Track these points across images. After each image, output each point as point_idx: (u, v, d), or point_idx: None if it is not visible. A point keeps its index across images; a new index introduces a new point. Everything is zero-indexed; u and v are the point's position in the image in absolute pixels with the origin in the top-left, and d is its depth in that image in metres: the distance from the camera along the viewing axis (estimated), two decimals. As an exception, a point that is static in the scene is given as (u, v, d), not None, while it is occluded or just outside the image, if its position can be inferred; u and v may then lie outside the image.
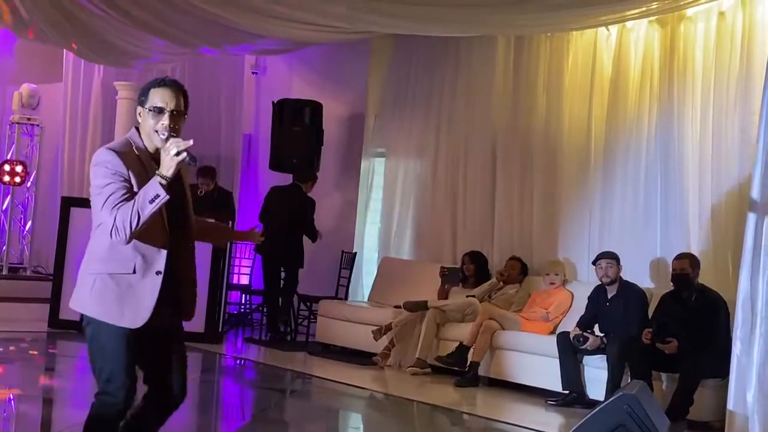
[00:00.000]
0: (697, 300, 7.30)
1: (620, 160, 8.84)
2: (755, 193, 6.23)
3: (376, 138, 11.02)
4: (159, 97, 3.75)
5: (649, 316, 7.65)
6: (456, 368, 8.55)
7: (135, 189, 3.65)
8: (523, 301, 8.92)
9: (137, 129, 3.83)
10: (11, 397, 7.11)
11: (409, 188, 10.62)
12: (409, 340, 9.05)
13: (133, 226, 3.60)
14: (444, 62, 10.43)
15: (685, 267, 7.37)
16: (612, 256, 7.96)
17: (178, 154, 3.60)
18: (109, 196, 3.64)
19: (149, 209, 3.58)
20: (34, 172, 12.79)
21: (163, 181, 3.59)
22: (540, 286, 8.96)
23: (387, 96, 11.01)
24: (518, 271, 9.16)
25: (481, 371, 8.46)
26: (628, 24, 8.71)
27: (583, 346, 7.66)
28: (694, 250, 7.87)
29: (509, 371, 8.42)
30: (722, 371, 6.70)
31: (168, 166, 3.60)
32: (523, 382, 8.27)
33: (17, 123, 12.65)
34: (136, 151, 3.76)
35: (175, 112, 3.76)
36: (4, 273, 12.08)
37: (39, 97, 13.08)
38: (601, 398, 7.10)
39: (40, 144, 12.90)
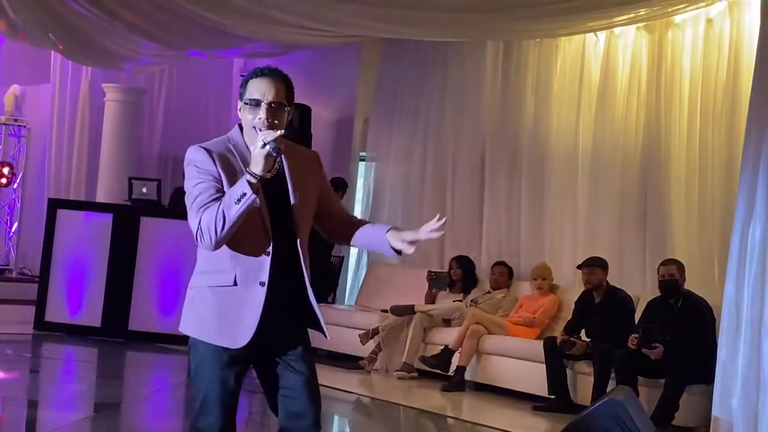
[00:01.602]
0: (683, 306, 7.31)
1: (607, 165, 8.86)
2: (741, 199, 6.26)
3: (365, 142, 11.02)
4: (256, 88, 3.32)
5: (636, 322, 7.66)
6: (439, 371, 8.55)
7: (227, 189, 3.25)
8: (510, 305, 8.93)
9: (240, 126, 3.43)
10: (-4, 400, 7.08)
11: (398, 192, 10.62)
12: (396, 345, 9.05)
13: (218, 231, 3.17)
14: (433, 67, 10.44)
15: (673, 273, 7.38)
16: (594, 263, 7.96)
17: (264, 146, 3.17)
18: (197, 197, 3.24)
19: (236, 210, 3.15)
20: (21, 174, 12.74)
21: (252, 179, 3.16)
22: (527, 291, 8.97)
23: (376, 100, 11.02)
24: (506, 276, 9.17)
25: (467, 376, 8.46)
26: (616, 30, 8.74)
27: (570, 351, 7.67)
28: (680, 256, 7.88)
29: (496, 376, 8.42)
30: (708, 377, 6.71)
31: (255, 160, 3.17)
32: (510, 387, 8.27)
33: (4, 124, 12.62)
34: (233, 149, 3.36)
35: (273, 105, 3.30)
36: (-10, 275, 12.03)
37: (24, 98, 13.04)
38: (587, 403, 7.10)
39: (27, 145, 12.85)
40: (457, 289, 9.44)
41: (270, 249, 3.30)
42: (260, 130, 3.25)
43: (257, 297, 3.28)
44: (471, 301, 9.13)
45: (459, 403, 8.10)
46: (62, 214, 10.30)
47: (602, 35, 8.92)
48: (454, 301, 9.24)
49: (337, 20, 8.74)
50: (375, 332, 9.09)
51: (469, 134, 10.05)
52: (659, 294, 7.49)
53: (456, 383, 8.38)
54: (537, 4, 7.82)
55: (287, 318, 3.39)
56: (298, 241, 3.37)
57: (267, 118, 3.28)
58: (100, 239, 10.10)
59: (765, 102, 6.19)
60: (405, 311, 9.08)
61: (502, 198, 9.71)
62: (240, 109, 3.38)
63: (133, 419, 7.20)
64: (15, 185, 12.61)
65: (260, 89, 3.32)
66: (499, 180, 9.75)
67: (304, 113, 10.87)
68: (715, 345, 6.70)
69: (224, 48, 10.69)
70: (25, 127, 12.82)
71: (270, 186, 3.30)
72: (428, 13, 8.33)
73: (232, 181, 3.25)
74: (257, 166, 3.17)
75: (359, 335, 9.14)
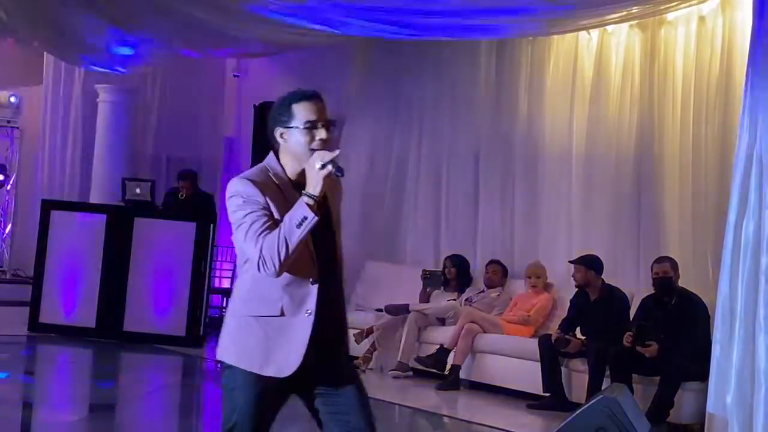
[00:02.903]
0: (678, 303, 7.32)
1: (601, 163, 8.87)
2: (735, 196, 6.26)
3: (359, 142, 11.01)
4: (308, 111, 3.29)
5: (630, 320, 7.67)
6: (435, 370, 8.55)
7: (276, 217, 3.23)
8: (505, 304, 8.93)
9: (275, 153, 3.37)
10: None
11: (392, 192, 10.62)
12: (391, 344, 9.05)
13: (282, 257, 3.14)
14: (426, 66, 10.44)
15: (667, 270, 7.39)
16: (581, 262, 7.95)
17: (323, 167, 3.16)
18: (251, 225, 3.19)
19: (297, 235, 3.14)
20: (14, 175, 12.73)
21: (310, 201, 3.14)
22: (521, 290, 8.98)
23: (369, 99, 11.01)
24: (500, 274, 9.18)
25: (462, 374, 8.46)
26: (609, 28, 8.74)
27: (564, 349, 7.68)
28: (675, 253, 7.89)
29: (491, 374, 8.43)
30: (702, 374, 6.72)
31: (314, 182, 3.16)
32: (505, 385, 8.27)
33: (-4, 126, 12.62)
34: (274, 179, 3.31)
35: (326, 124, 3.30)
36: (-17, 277, 12.02)
37: (17, 99, 13.03)
38: (583, 401, 7.10)
39: (20, 147, 12.84)
40: (451, 288, 9.44)
41: (316, 278, 3.28)
42: (313, 150, 3.24)
43: (304, 326, 3.26)
44: (465, 299, 9.14)
45: (454, 402, 8.10)
46: (56, 215, 10.29)
47: (595, 33, 8.93)
48: (448, 300, 9.24)
49: (330, 20, 8.73)
50: (370, 331, 9.08)
51: (463, 133, 10.06)
52: (653, 291, 7.50)
53: (451, 382, 8.38)
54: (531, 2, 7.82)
55: (332, 345, 3.38)
56: (338, 268, 3.39)
57: (324, 139, 3.27)
58: (94, 240, 10.09)
59: (757, 98, 6.19)
60: (400, 310, 9.08)
61: (497, 197, 9.72)
62: (281, 135, 3.32)
63: (127, 420, 7.19)
64: (8, 187, 12.60)
65: (313, 110, 3.29)
66: (493, 178, 9.76)
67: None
68: (710, 342, 6.71)
69: (217, 47, 10.69)
70: (18, 128, 12.80)
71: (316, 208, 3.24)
72: (419, 14, 8.33)
73: (280, 209, 3.23)
74: (316, 187, 3.16)
75: (354, 335, 9.12)
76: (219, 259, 11.64)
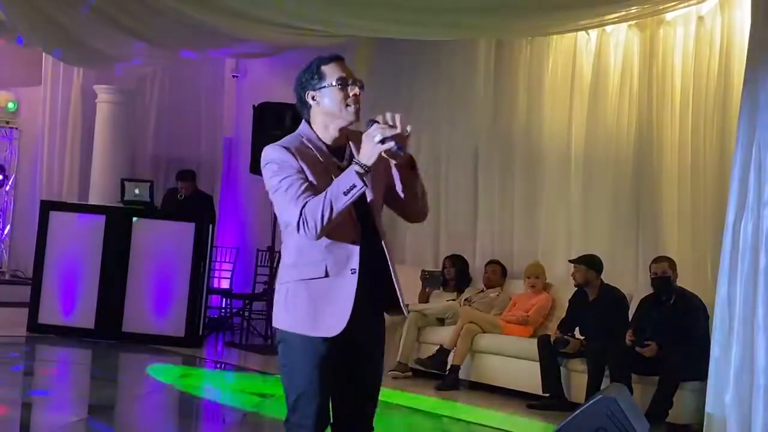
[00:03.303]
0: (677, 303, 7.32)
1: (600, 163, 8.88)
2: (733, 195, 6.27)
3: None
4: (339, 69, 3.40)
5: (629, 320, 7.67)
6: (436, 372, 8.56)
7: (311, 180, 3.29)
8: (504, 304, 8.94)
9: (307, 123, 3.46)
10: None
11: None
12: (390, 344, 9.03)
13: (325, 220, 3.20)
14: (425, 66, 10.44)
15: (666, 269, 7.40)
16: (581, 261, 7.96)
17: (383, 141, 3.21)
18: (287, 189, 3.27)
19: (343, 201, 3.20)
20: (13, 176, 12.72)
21: (361, 170, 3.20)
22: (520, 290, 8.98)
23: (368, 100, 10.90)
24: (499, 274, 9.18)
25: (461, 374, 8.47)
26: (608, 28, 8.75)
27: (563, 349, 7.68)
28: (673, 253, 7.89)
29: (490, 374, 8.43)
30: (701, 374, 6.72)
31: (369, 154, 3.22)
32: (504, 386, 8.28)
33: (-5, 126, 12.62)
34: (308, 144, 3.39)
35: (356, 81, 3.39)
36: (-18, 277, 12.02)
37: (16, 100, 13.03)
38: (582, 401, 7.11)
39: (19, 148, 12.84)
40: (450, 288, 9.45)
41: (358, 237, 3.35)
42: (355, 105, 3.35)
43: (350, 285, 3.31)
44: (465, 300, 9.14)
45: (454, 402, 8.10)
46: (55, 216, 10.29)
47: (594, 33, 8.94)
48: (447, 300, 9.25)
49: (328, 21, 8.74)
50: (369, 332, 9.07)
51: (462, 133, 10.06)
52: (652, 292, 7.50)
53: (450, 382, 8.38)
54: (528, 2, 7.83)
55: (375, 305, 3.43)
56: (378, 226, 3.43)
57: (358, 94, 3.35)
58: (93, 241, 10.09)
59: (756, 98, 6.20)
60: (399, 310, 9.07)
61: (496, 197, 9.73)
62: (312, 98, 3.40)
63: (126, 421, 7.19)
64: (7, 187, 12.59)
65: (343, 68, 3.40)
66: (492, 178, 9.77)
67: (296, 114, 10.83)
68: (709, 342, 6.71)
69: (216, 48, 10.69)
70: (17, 129, 12.79)
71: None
72: (419, 12, 8.33)
73: (316, 173, 3.29)
74: (370, 159, 3.22)
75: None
76: (218, 259, 11.66)
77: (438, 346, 8.60)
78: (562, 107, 9.23)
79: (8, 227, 12.77)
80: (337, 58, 3.44)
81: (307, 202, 3.23)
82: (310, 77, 3.42)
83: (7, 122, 12.76)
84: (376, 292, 3.41)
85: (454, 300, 9.24)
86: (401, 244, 10.50)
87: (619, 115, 8.75)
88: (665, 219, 8.33)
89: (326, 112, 3.39)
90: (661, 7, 7.87)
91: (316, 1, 8.16)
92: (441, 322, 9.03)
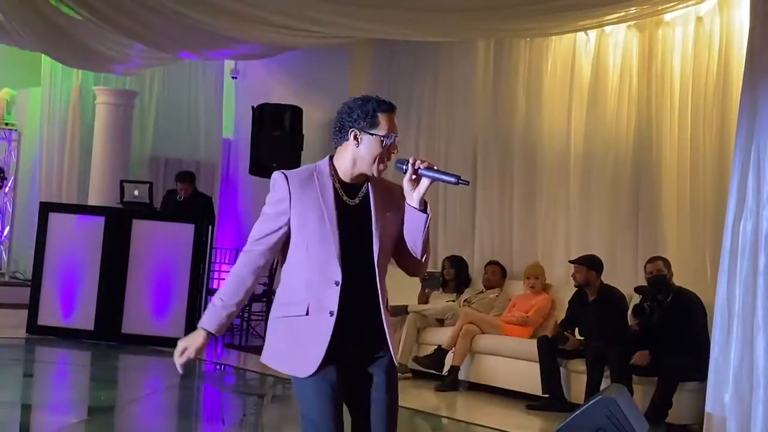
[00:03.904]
0: (673, 301, 7.32)
1: (599, 164, 8.88)
2: (732, 196, 6.27)
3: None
4: (388, 123, 3.40)
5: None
6: (433, 371, 8.55)
7: (293, 215, 3.39)
8: (504, 305, 8.93)
9: (330, 156, 3.49)
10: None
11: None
12: (390, 345, 9.04)
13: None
14: (424, 67, 10.45)
15: (661, 268, 7.41)
16: (582, 261, 7.96)
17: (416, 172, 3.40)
18: (259, 223, 3.48)
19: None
20: (12, 178, 12.72)
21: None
22: (520, 291, 8.98)
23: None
24: (498, 275, 9.18)
25: (461, 375, 8.47)
26: (607, 29, 8.75)
27: (563, 346, 7.68)
28: (672, 254, 7.90)
29: (489, 375, 8.43)
30: (700, 373, 6.73)
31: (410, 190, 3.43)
32: (503, 386, 8.28)
33: (-6, 128, 12.61)
34: (317, 179, 3.44)
35: (397, 139, 3.45)
36: (-18, 279, 12.01)
37: (15, 101, 13.03)
38: (581, 402, 7.10)
39: (18, 149, 12.84)
40: (450, 288, 9.44)
41: (339, 279, 3.35)
42: (385, 166, 3.42)
43: (325, 326, 3.33)
44: (464, 300, 9.14)
45: (453, 403, 8.10)
46: (54, 218, 10.28)
47: (593, 34, 8.94)
48: (447, 301, 9.24)
49: (326, 21, 8.74)
50: (368, 333, 9.07)
51: (461, 134, 10.07)
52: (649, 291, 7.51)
53: (450, 383, 8.38)
54: (527, 3, 7.83)
55: (364, 346, 3.44)
56: (377, 269, 3.41)
57: (394, 153, 3.44)
58: (92, 242, 10.08)
59: (755, 98, 6.20)
60: (398, 311, 9.07)
61: (495, 198, 9.73)
62: (355, 137, 3.39)
63: (126, 422, 7.19)
64: (6, 189, 12.59)
65: (392, 125, 3.40)
66: (491, 179, 9.77)
67: (295, 115, 10.87)
68: (707, 340, 6.72)
69: (214, 49, 10.69)
70: (16, 130, 12.79)
71: (352, 215, 3.39)
72: (418, 12, 8.33)
73: (306, 207, 3.38)
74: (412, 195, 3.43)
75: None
76: (217, 260, 11.65)
77: (437, 347, 8.59)
78: (561, 108, 9.23)
79: (7, 229, 12.76)
80: (393, 109, 3.43)
81: (248, 253, 3.43)
82: (363, 117, 3.39)
83: (6, 124, 12.76)
84: (366, 334, 3.43)
85: (453, 301, 9.23)
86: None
87: (618, 115, 8.75)
88: (664, 219, 8.33)
89: (360, 156, 3.41)
90: (660, 8, 7.87)
91: (316, 2, 8.16)
92: (440, 322, 9.03)
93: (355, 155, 3.41)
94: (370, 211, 3.43)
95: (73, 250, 10.18)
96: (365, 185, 3.47)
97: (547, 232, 9.27)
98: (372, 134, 3.37)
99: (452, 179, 3.39)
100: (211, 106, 12.68)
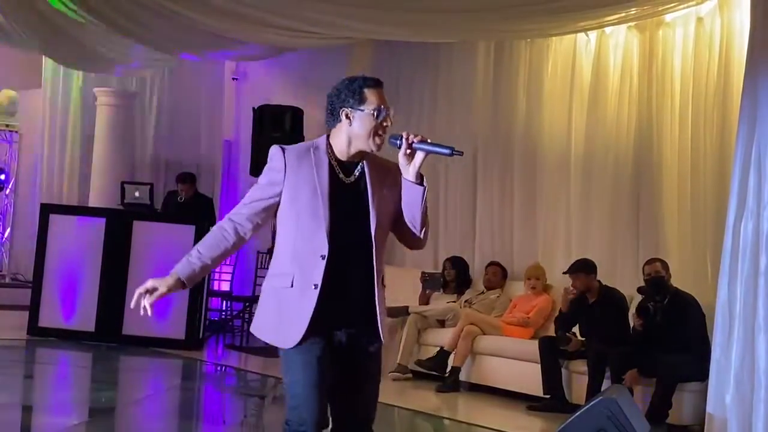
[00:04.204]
0: (670, 303, 7.32)
1: (600, 165, 8.88)
2: (733, 197, 6.27)
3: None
4: (377, 97, 3.52)
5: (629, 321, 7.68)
6: (436, 373, 8.55)
7: (287, 188, 3.50)
8: (505, 306, 8.93)
9: (327, 135, 3.59)
10: (-10, 406, 7.07)
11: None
12: (391, 346, 9.04)
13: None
14: (424, 68, 10.45)
15: (659, 270, 7.41)
16: (578, 269, 7.93)
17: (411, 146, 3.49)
18: (250, 192, 3.68)
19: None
20: (13, 179, 12.73)
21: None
22: (521, 291, 8.98)
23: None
24: (499, 276, 9.18)
25: (462, 376, 8.47)
26: (607, 30, 8.75)
27: (564, 347, 7.68)
28: (673, 255, 7.90)
29: (490, 376, 8.43)
30: (700, 374, 6.73)
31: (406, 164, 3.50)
32: (504, 387, 8.28)
33: (-5, 129, 12.62)
34: (313, 154, 3.55)
35: (391, 112, 3.55)
36: (-17, 280, 12.02)
37: (18, 103, 13.03)
38: (582, 403, 7.10)
39: (18, 150, 12.84)
40: (450, 289, 9.44)
41: (326, 253, 3.42)
42: (382, 137, 3.49)
43: (310, 299, 3.41)
44: (465, 301, 9.14)
45: (454, 404, 8.10)
46: (55, 219, 10.28)
47: (593, 35, 8.94)
48: (448, 302, 9.24)
49: (326, 22, 8.74)
50: (369, 334, 9.06)
51: (461, 135, 10.05)
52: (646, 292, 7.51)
53: (451, 384, 8.38)
54: (527, 4, 7.83)
55: (351, 321, 3.51)
56: (374, 247, 3.50)
57: (388, 126, 3.52)
58: (93, 244, 10.08)
59: (755, 99, 6.20)
60: (399, 312, 9.08)
61: (495, 198, 9.73)
62: (346, 115, 3.49)
63: (127, 424, 7.19)
64: (7, 191, 12.60)
65: (381, 99, 3.51)
66: (491, 180, 9.77)
67: (296, 116, 10.88)
68: (706, 341, 6.72)
69: (215, 50, 10.69)
70: (16, 132, 12.80)
71: (347, 192, 3.49)
72: (418, 13, 8.33)
73: (301, 179, 3.47)
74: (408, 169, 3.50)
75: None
76: (218, 262, 11.63)
77: (438, 348, 8.60)
78: (561, 109, 9.23)
79: (8, 230, 12.77)
80: (379, 84, 3.54)
81: (234, 215, 3.64)
82: (350, 95, 3.50)
83: (7, 125, 12.76)
84: (355, 309, 3.49)
85: (454, 302, 9.23)
86: (401, 246, 10.47)
87: (618, 116, 8.75)
88: (665, 220, 8.32)
89: (354, 133, 3.50)
90: (660, 9, 7.87)
91: (316, 3, 8.16)
92: (441, 323, 9.02)
93: (349, 134, 3.50)
94: (367, 189, 3.51)
95: (73, 252, 10.18)
96: (361, 163, 3.55)
97: (547, 233, 9.27)
98: (362, 110, 3.47)
99: (446, 151, 3.50)
100: (212, 108, 12.69)
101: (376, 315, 3.51)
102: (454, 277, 9.45)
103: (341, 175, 3.51)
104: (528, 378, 7.96)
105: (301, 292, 3.43)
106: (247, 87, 12.67)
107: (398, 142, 3.47)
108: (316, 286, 3.41)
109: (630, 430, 4.53)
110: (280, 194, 3.50)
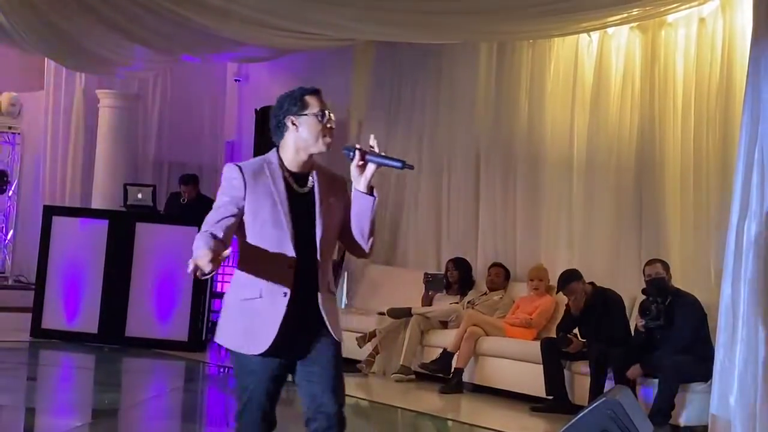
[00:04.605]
0: (672, 303, 7.31)
1: (602, 165, 8.87)
2: (736, 198, 6.27)
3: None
4: (318, 102, 3.69)
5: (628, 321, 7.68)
6: (440, 375, 8.55)
7: (247, 202, 3.60)
8: (507, 307, 8.93)
9: (276, 148, 3.75)
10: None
11: (394, 195, 10.61)
12: (394, 347, 9.05)
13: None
14: (426, 69, 10.44)
15: (660, 271, 7.40)
16: (568, 279, 7.90)
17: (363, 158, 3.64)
18: (214, 210, 3.64)
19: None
20: (16, 181, 12.74)
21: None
22: (524, 292, 8.97)
23: (370, 103, 11.01)
24: (502, 277, 9.17)
25: (465, 377, 8.46)
26: (610, 30, 8.74)
27: (566, 349, 7.67)
28: (676, 256, 7.89)
29: (493, 377, 8.43)
30: (702, 374, 6.73)
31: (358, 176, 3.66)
32: (507, 388, 8.27)
33: (-2, 131, 12.63)
34: (267, 168, 3.68)
35: (332, 116, 3.70)
36: (-15, 282, 12.03)
37: (20, 105, 13.04)
38: (585, 404, 7.10)
39: (21, 152, 12.85)
40: (453, 291, 9.44)
41: (293, 261, 3.58)
42: (330, 139, 3.65)
43: (279, 307, 3.56)
44: (468, 302, 9.14)
45: (457, 405, 8.10)
46: (57, 221, 10.29)
47: (595, 36, 8.93)
48: (451, 303, 9.24)
49: (329, 24, 8.74)
50: (372, 335, 9.08)
51: (464, 136, 10.06)
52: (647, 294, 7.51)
53: (454, 385, 8.37)
54: (530, 5, 7.83)
55: (308, 325, 3.64)
56: (318, 253, 3.63)
57: (332, 128, 3.68)
58: (96, 245, 10.08)
59: (758, 99, 6.20)
60: (402, 314, 9.08)
61: (498, 199, 9.72)
62: (293, 123, 3.67)
63: (130, 425, 7.20)
64: (10, 192, 12.61)
65: (322, 103, 3.68)
66: (494, 181, 9.76)
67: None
68: (708, 341, 6.72)
69: (217, 52, 10.69)
70: (19, 134, 12.81)
71: (301, 202, 3.63)
72: (420, 15, 8.34)
73: (260, 194, 3.59)
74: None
75: (356, 338, 9.13)
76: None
77: (442, 349, 8.59)
78: (563, 110, 9.22)
79: (11, 232, 12.78)
80: (317, 91, 3.72)
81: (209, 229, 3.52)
82: (293, 104, 3.69)
83: (10, 127, 12.77)
84: (311, 314, 3.62)
85: (457, 303, 9.23)
86: (403, 247, 10.51)
87: (621, 117, 8.74)
88: (668, 221, 8.31)
89: (302, 139, 3.66)
90: (662, 9, 7.87)
91: (318, 4, 8.17)
92: (444, 325, 9.02)
93: (296, 141, 3.67)
94: (314, 200, 3.67)
95: (76, 254, 10.18)
96: (312, 175, 3.70)
97: (550, 234, 9.26)
98: (306, 114, 3.65)
99: (397, 164, 3.64)
100: (214, 109, 12.70)
101: (324, 322, 3.63)
102: (457, 278, 9.44)
103: (295, 186, 3.66)
104: (531, 379, 7.95)
105: (271, 300, 3.56)
106: (249, 88, 12.67)
107: (351, 153, 3.62)
108: (285, 294, 3.56)
109: (633, 431, 4.52)
110: (242, 209, 3.60)
